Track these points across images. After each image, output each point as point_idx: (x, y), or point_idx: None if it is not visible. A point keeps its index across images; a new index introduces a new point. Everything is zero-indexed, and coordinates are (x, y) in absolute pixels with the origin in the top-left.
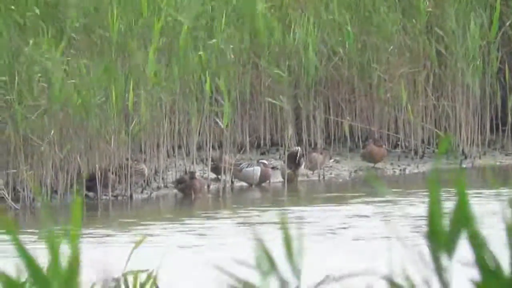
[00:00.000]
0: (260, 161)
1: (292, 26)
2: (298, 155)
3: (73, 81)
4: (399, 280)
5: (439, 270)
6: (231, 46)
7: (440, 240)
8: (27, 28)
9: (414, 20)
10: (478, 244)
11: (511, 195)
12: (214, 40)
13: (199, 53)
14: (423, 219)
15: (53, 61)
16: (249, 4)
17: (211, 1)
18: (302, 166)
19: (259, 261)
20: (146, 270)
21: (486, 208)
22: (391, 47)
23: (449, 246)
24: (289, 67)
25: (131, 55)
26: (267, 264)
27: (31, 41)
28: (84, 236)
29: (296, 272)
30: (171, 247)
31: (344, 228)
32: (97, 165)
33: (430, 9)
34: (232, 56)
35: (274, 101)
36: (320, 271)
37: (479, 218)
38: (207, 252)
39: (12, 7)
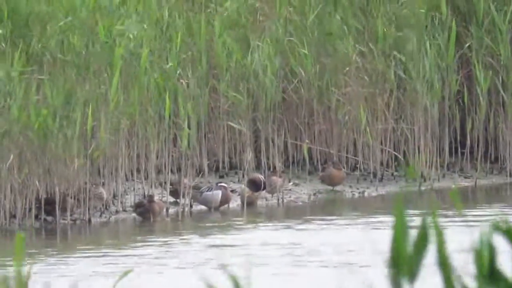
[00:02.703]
0: (220, 184)
1: (250, 49)
2: (262, 183)
3: (33, 103)
4: None
5: None
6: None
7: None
8: None
9: (372, 44)
10: (446, 267)
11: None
12: (170, 64)
13: (156, 77)
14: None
15: (15, 82)
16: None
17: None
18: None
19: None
20: None
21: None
22: (347, 69)
23: (411, 270)
24: (248, 90)
25: (92, 79)
26: None
27: None
28: (43, 261)
29: None
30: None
31: (302, 253)
32: (56, 189)
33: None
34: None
35: (233, 125)
36: None
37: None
38: (167, 277)
39: None
